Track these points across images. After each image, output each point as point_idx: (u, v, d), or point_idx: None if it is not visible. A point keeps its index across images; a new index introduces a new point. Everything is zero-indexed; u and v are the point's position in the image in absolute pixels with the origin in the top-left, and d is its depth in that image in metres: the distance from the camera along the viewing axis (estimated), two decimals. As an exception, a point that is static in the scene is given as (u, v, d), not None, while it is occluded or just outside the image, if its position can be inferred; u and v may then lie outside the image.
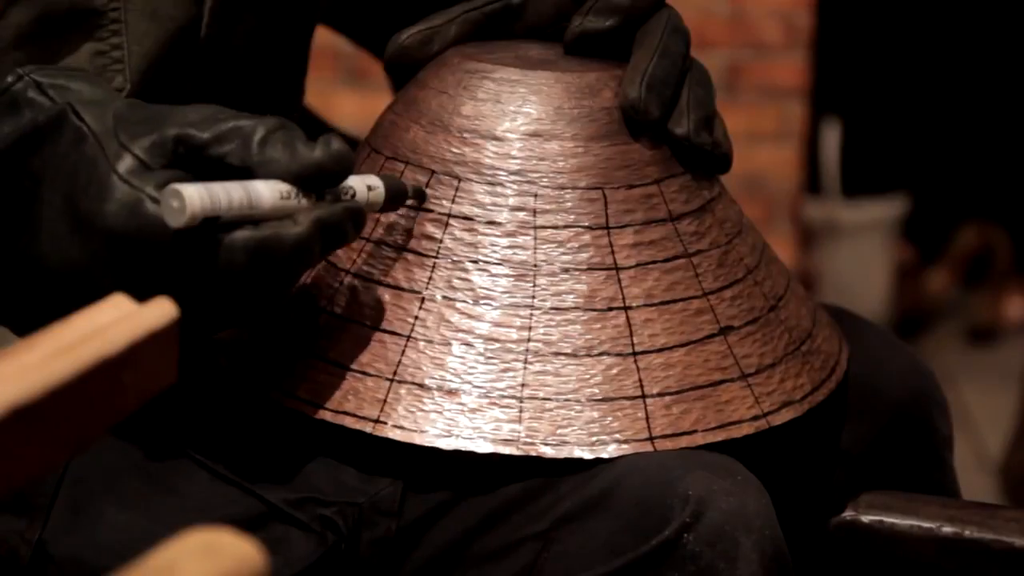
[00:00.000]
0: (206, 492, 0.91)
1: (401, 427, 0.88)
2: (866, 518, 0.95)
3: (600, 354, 0.89)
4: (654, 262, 0.92)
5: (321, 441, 0.91)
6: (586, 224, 0.91)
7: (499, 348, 0.89)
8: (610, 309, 0.90)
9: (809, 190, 3.11)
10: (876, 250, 3.19)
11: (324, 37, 1.24)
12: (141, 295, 0.76)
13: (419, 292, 0.90)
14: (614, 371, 0.89)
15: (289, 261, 0.83)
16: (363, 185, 0.87)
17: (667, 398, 0.89)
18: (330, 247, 0.85)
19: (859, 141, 3.29)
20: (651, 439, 0.88)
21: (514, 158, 0.92)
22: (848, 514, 0.95)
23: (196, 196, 0.79)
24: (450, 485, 0.90)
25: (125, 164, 0.82)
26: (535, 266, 0.90)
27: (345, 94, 2.68)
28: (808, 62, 2.83)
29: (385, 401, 0.88)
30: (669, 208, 0.93)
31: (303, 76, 1.14)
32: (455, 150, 0.92)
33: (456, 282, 0.90)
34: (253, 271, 0.82)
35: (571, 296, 0.90)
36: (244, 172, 0.83)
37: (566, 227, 0.91)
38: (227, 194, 0.81)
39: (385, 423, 0.88)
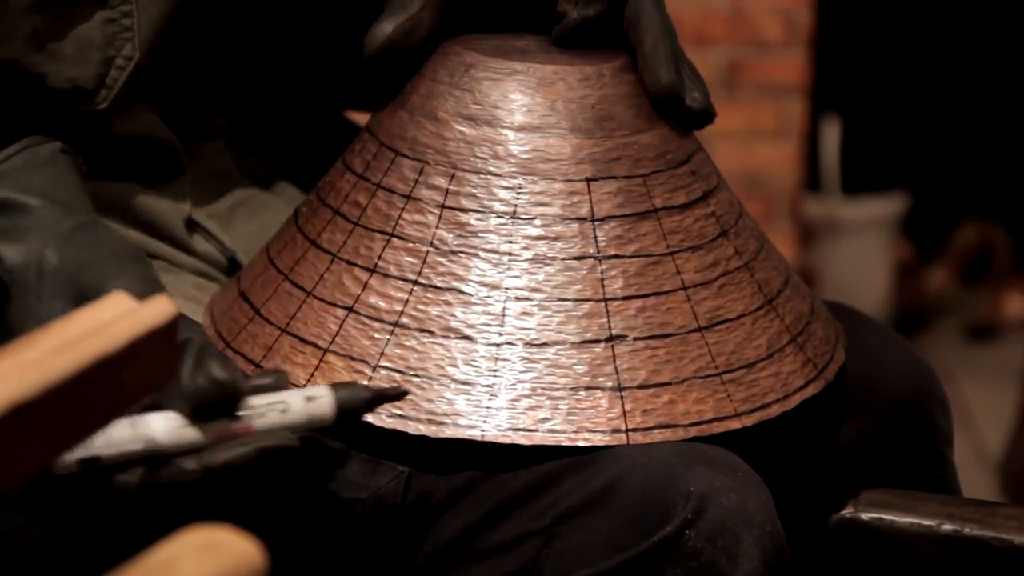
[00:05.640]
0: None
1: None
2: (866, 515, 0.94)
3: (582, 344, 0.89)
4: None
5: (323, 435, 0.91)
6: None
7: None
8: (594, 301, 0.90)
9: (809, 187, 3.10)
10: (876, 247, 3.19)
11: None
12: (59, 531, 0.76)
13: (410, 280, 0.91)
14: (597, 362, 0.89)
15: (187, 504, 0.81)
16: (300, 399, 0.83)
17: (650, 390, 0.89)
18: (246, 486, 0.82)
19: (859, 138, 3.29)
20: (632, 431, 0.88)
21: (508, 150, 0.92)
22: (848, 511, 0.95)
23: None
24: (451, 478, 0.90)
25: None
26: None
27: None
28: (808, 60, 2.82)
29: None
30: (664, 201, 0.93)
31: (327, 57, 1.13)
32: (450, 140, 0.93)
33: (447, 271, 0.90)
34: (149, 512, 0.81)
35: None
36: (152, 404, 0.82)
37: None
38: (106, 436, 0.79)
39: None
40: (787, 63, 2.82)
